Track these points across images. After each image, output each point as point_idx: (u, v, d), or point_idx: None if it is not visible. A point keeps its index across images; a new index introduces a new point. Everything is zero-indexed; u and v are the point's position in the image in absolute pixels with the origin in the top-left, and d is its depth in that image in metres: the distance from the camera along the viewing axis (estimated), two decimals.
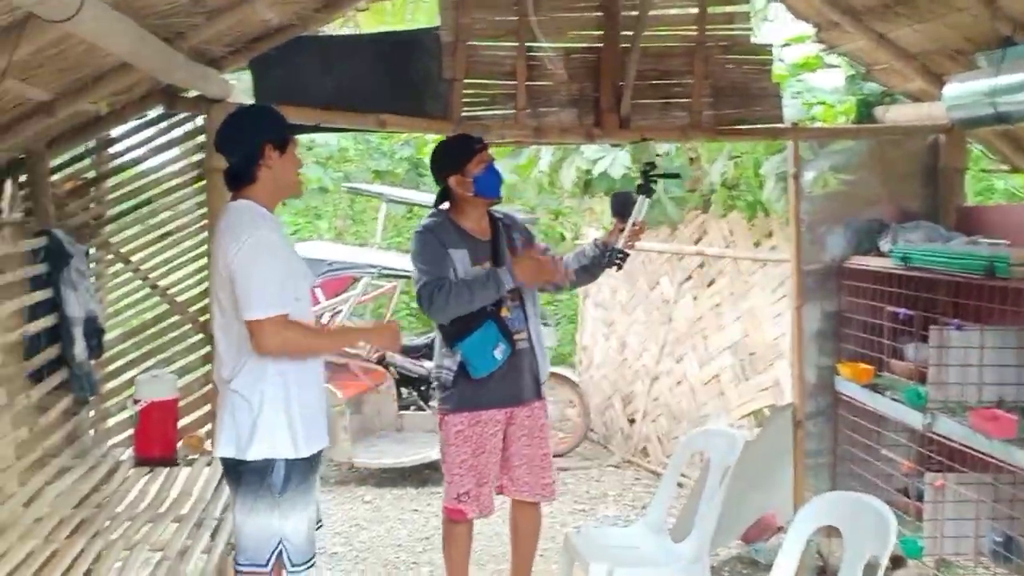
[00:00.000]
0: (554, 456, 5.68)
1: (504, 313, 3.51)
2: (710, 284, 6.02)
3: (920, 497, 3.79)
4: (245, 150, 2.67)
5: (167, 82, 3.24)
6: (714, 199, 5.92)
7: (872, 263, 4.01)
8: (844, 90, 5.02)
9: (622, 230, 3.54)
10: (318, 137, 9.22)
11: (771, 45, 4.13)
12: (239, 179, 2.70)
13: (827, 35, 4.30)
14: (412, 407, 6.68)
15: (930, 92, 4.15)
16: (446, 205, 3.59)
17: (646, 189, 3.55)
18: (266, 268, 2.56)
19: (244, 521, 2.67)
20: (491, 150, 3.59)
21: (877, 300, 3.96)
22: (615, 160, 5.91)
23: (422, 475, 6.01)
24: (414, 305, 10.08)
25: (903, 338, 3.94)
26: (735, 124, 4.08)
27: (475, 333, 3.42)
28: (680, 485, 5.72)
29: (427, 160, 10.54)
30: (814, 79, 5.59)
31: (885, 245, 4.03)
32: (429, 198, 8.09)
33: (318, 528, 2.97)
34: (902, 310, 3.72)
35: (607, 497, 5.71)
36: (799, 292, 4.26)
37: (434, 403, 6.59)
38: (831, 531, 4.32)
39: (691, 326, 6.12)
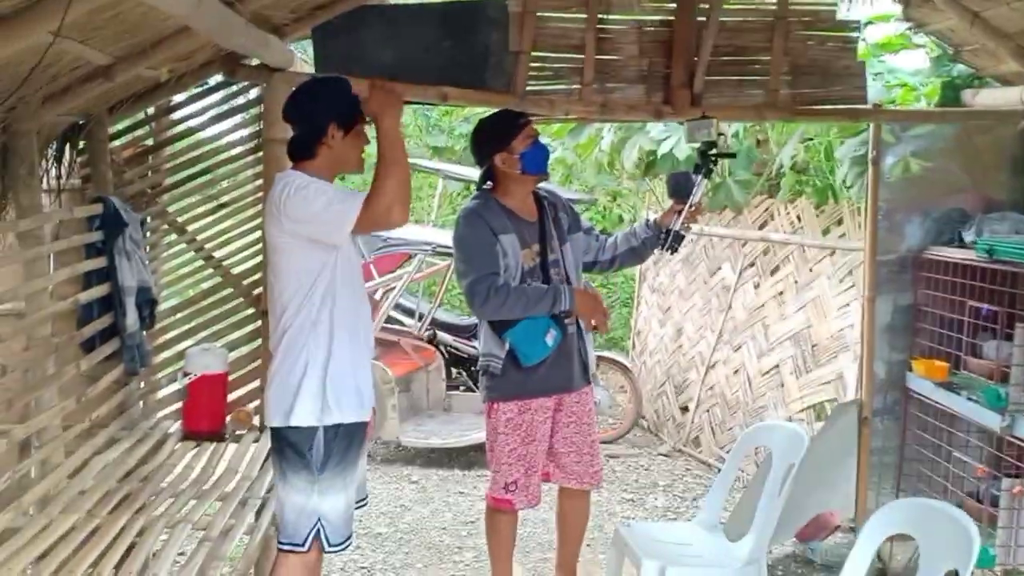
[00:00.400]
0: (603, 443, 5.59)
1: None
2: (773, 272, 5.82)
3: (993, 502, 3.62)
4: (309, 124, 2.65)
5: (227, 48, 3.14)
6: (782, 183, 5.69)
7: (953, 255, 3.81)
8: (928, 72, 4.77)
9: (679, 212, 3.40)
10: None
11: (857, 21, 3.89)
12: (299, 152, 2.67)
13: (915, 12, 4.07)
14: (461, 387, 6.60)
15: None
16: (489, 185, 3.46)
17: (705, 169, 3.41)
18: (325, 193, 2.55)
19: (285, 498, 2.68)
20: (542, 127, 3.45)
21: (956, 294, 3.77)
22: (680, 141, 5.71)
23: (469, 457, 5.92)
24: None
25: (982, 335, 3.74)
26: (814, 104, 3.87)
27: (524, 319, 3.29)
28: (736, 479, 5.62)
29: None
30: (896, 60, 5.35)
31: (968, 236, 3.84)
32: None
33: (363, 505, 2.95)
34: (985, 306, 3.52)
35: (656, 487, 5.57)
36: (872, 283, 4.07)
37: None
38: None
39: (751, 314, 5.93)
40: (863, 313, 4.17)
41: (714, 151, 3.41)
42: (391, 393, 5.84)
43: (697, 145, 3.46)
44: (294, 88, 2.83)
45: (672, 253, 3.47)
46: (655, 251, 3.51)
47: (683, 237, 3.39)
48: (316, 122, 2.62)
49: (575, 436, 3.47)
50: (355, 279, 2.74)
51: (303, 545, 2.66)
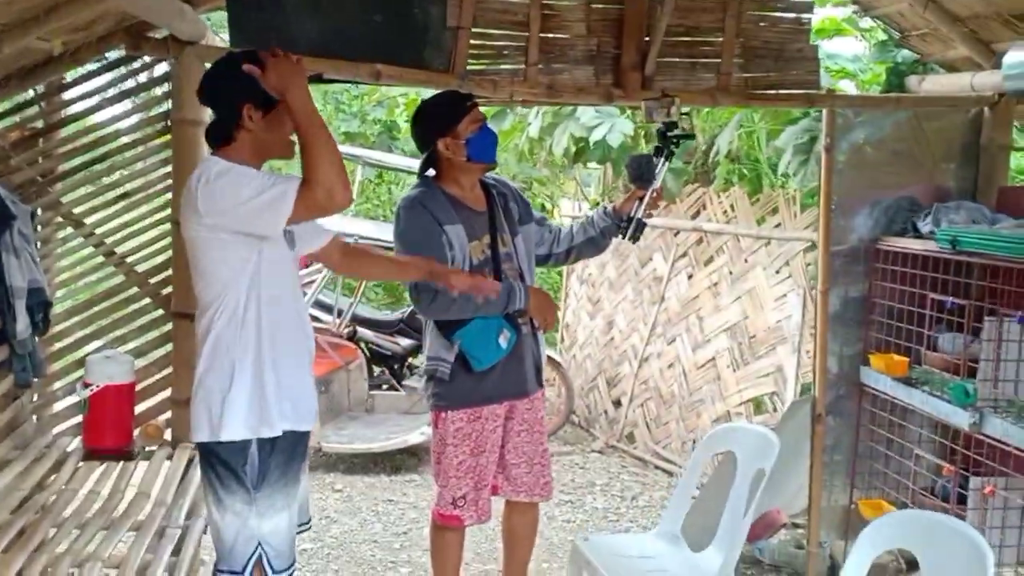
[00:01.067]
0: None
1: None
2: (707, 262, 5.68)
3: (946, 498, 3.53)
4: (224, 107, 2.36)
5: (134, 15, 2.74)
6: (716, 172, 5.56)
7: (910, 245, 3.69)
8: (869, 58, 4.69)
9: (641, 198, 3.16)
10: None
11: (811, 2, 3.73)
12: (216, 137, 2.38)
13: None
14: (384, 386, 6.26)
15: (973, 61, 3.82)
16: (432, 173, 3.15)
17: (666, 151, 3.18)
18: (253, 180, 2.24)
19: (219, 521, 2.38)
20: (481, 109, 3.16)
21: (912, 285, 3.64)
22: (613, 127, 5.52)
23: (395, 461, 5.60)
24: None
25: (938, 327, 3.64)
26: (767, 88, 3.70)
27: (475, 320, 3.01)
28: (670, 475, 5.48)
29: (402, 123, 10.04)
30: (831, 47, 5.27)
31: (925, 226, 3.71)
32: (405, 162, 7.68)
33: (306, 529, 2.72)
34: (950, 299, 3.40)
35: (594, 487, 5.37)
36: (825, 275, 3.92)
37: (409, 383, 6.21)
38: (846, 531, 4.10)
39: (685, 306, 5.78)
40: (816, 306, 4.03)
41: (675, 132, 3.17)
42: None
43: (656, 126, 3.21)
44: (208, 66, 2.49)
45: (634, 242, 3.23)
46: (615, 240, 3.26)
47: (645, 225, 3.15)
48: (230, 104, 2.32)
49: (526, 445, 3.21)
50: (287, 272, 2.43)
51: (243, 573, 2.38)
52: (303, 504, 2.61)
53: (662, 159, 3.14)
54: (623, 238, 3.16)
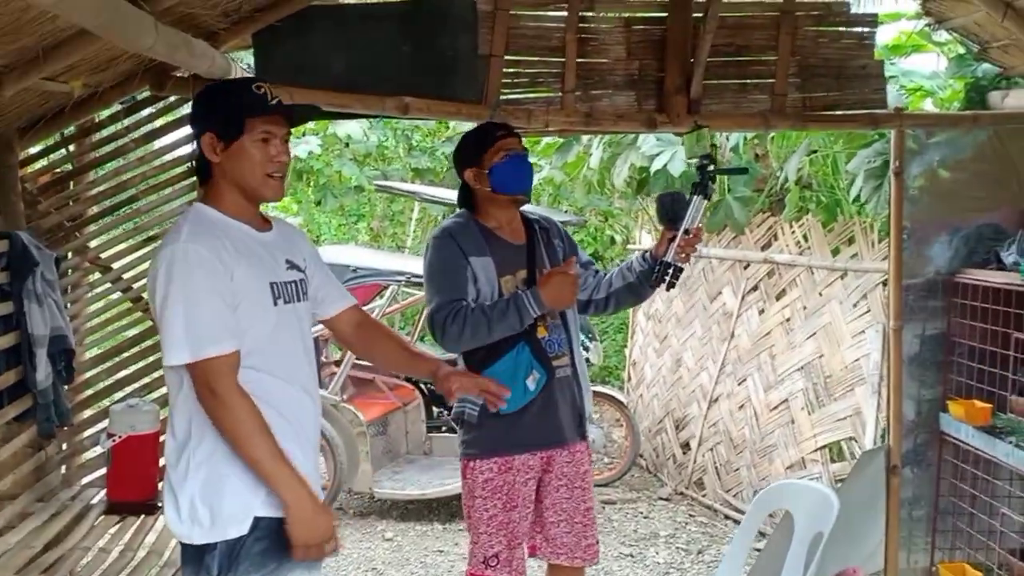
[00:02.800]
0: (598, 486, 5.05)
1: (541, 333, 2.86)
2: (779, 296, 5.34)
3: None
4: (196, 143, 2.12)
5: (134, 50, 2.65)
6: (787, 200, 5.23)
7: (991, 278, 3.33)
8: (947, 74, 4.33)
9: (672, 239, 2.85)
10: (355, 132, 8.69)
11: (874, 15, 3.42)
12: (199, 177, 2.17)
13: (937, 6, 3.60)
14: (443, 428, 6.07)
15: None
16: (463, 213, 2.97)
17: (702, 188, 2.85)
18: (177, 293, 1.94)
19: None
20: (524, 140, 2.95)
21: (997, 323, 3.27)
22: (674, 156, 5.26)
23: (451, 507, 5.39)
24: None
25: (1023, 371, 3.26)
26: (827, 109, 3.40)
27: (503, 358, 2.78)
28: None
29: None
30: (907, 64, 4.92)
31: (1009, 257, 3.35)
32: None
33: None
34: None
35: (657, 538, 5.04)
36: (897, 311, 3.57)
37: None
38: None
39: (756, 343, 5.43)
40: (888, 345, 3.68)
41: (712, 167, 2.87)
42: (363, 438, 5.31)
43: (695, 161, 2.91)
44: None
45: (668, 289, 2.92)
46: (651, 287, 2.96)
47: (681, 270, 2.85)
48: (196, 136, 2.10)
49: (566, 503, 2.95)
50: (259, 340, 2.04)
51: None
52: None
53: (697, 196, 2.84)
54: (654, 284, 2.88)
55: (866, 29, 3.44)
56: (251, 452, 1.93)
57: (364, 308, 5.97)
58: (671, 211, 2.85)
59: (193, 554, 2.00)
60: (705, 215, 2.91)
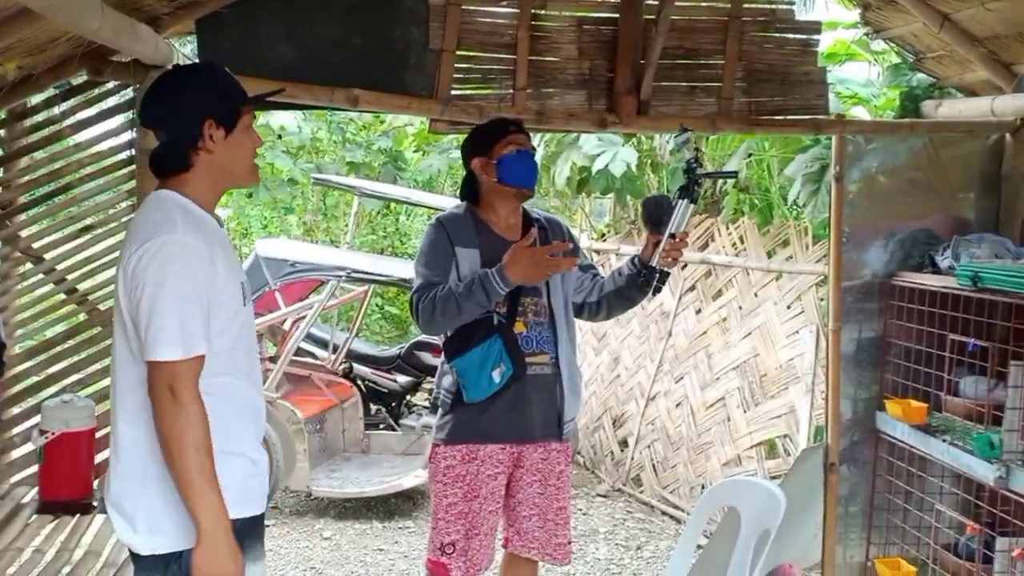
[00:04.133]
0: None
1: (519, 328, 2.86)
2: (716, 296, 5.43)
3: (970, 558, 3.24)
4: (179, 127, 1.98)
5: (77, 33, 2.55)
6: (724, 202, 5.32)
7: (927, 281, 3.43)
8: (882, 83, 4.46)
9: (656, 244, 2.82)
10: (288, 124, 8.53)
11: (818, 22, 3.51)
12: (167, 164, 2.00)
13: (876, 16, 3.71)
14: (381, 425, 6.01)
15: (993, 84, 3.58)
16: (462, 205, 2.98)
17: (688, 192, 2.81)
18: (173, 287, 1.86)
19: None
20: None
21: (932, 325, 3.38)
22: (616, 156, 5.31)
23: (388, 506, 5.34)
24: (389, 309, 9.44)
25: (958, 370, 3.37)
26: (772, 114, 3.47)
27: (475, 349, 2.79)
28: (678, 521, 5.19)
29: (408, 154, 9.89)
30: (843, 72, 5.06)
31: (944, 261, 3.46)
32: (406, 193, 7.49)
33: None
34: (971, 340, 3.13)
35: (597, 534, 5.08)
36: (836, 312, 3.66)
37: (406, 422, 5.97)
38: None
39: (693, 342, 5.52)
40: (827, 346, 3.77)
41: (700, 171, 2.83)
42: (300, 435, 5.22)
43: (682, 164, 2.90)
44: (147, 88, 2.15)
45: (654, 294, 2.92)
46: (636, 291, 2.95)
47: (667, 275, 2.85)
48: (186, 121, 1.96)
49: (539, 498, 2.95)
50: (229, 341, 1.99)
51: None
52: None
53: (683, 200, 2.84)
54: (639, 289, 2.89)
55: (810, 36, 3.53)
56: (188, 465, 1.82)
57: (302, 303, 5.87)
58: (655, 215, 2.84)
59: (154, 563, 1.93)
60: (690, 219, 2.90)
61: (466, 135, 3.02)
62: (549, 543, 2.98)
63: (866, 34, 3.97)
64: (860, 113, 4.80)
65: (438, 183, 10.00)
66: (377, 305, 9.13)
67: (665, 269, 2.83)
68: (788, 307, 4.92)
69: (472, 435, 2.86)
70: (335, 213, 10.01)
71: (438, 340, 3.09)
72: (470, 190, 2.97)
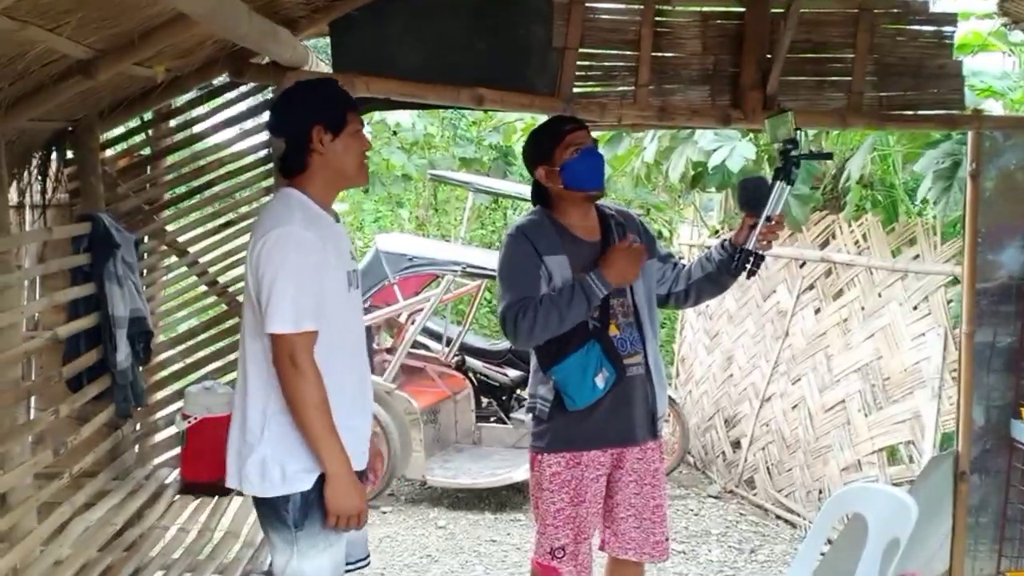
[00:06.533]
0: None
1: (613, 331, 2.85)
2: (836, 296, 5.28)
3: None
4: (293, 133, 2.29)
5: (231, 42, 2.68)
6: (848, 198, 5.17)
7: None
8: (1019, 75, 4.26)
9: (753, 226, 2.79)
10: (403, 121, 8.72)
11: (954, 14, 3.38)
12: (289, 166, 2.31)
13: (1014, 6, 3.54)
14: (492, 419, 6.10)
15: None
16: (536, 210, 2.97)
17: (785, 174, 2.78)
18: (290, 271, 2.15)
19: (271, 557, 2.33)
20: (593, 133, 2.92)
21: None
22: (734, 151, 5.22)
23: (500, 497, 5.42)
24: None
25: None
26: (904, 108, 3.36)
27: (573, 355, 2.77)
28: (793, 526, 5.09)
29: (518, 149, 9.97)
30: (975, 63, 4.85)
31: None
32: (517, 188, 7.55)
33: (363, 565, 2.53)
34: None
35: (709, 536, 5.03)
36: (970, 315, 3.53)
37: (517, 415, 6.04)
38: None
39: (811, 343, 5.38)
40: (960, 351, 3.63)
41: (795, 152, 2.80)
42: (416, 425, 5.36)
43: (778, 145, 2.87)
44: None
45: (749, 277, 2.90)
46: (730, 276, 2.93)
47: (762, 258, 2.82)
48: (298, 129, 2.26)
49: (635, 498, 2.94)
50: (338, 322, 2.27)
51: None
52: (360, 539, 2.48)
53: (780, 182, 2.80)
54: (734, 273, 2.86)
55: (945, 28, 3.39)
56: (312, 421, 2.15)
57: (419, 296, 6.00)
58: (753, 197, 2.80)
59: (268, 506, 2.24)
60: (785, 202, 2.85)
61: (527, 140, 2.97)
62: (647, 542, 2.95)
63: (1004, 24, 3.79)
64: (995, 108, 4.61)
65: None
66: (485, 299, 9.25)
67: (760, 252, 2.78)
68: (914, 308, 4.75)
69: (575, 442, 2.84)
70: (446, 208, 10.18)
71: None
72: (541, 195, 2.93)
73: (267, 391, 2.20)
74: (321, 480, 2.20)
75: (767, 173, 6.20)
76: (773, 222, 2.80)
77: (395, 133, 9.07)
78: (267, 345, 2.17)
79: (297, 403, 2.14)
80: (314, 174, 2.27)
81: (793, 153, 2.80)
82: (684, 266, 3.00)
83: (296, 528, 2.21)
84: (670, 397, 6.03)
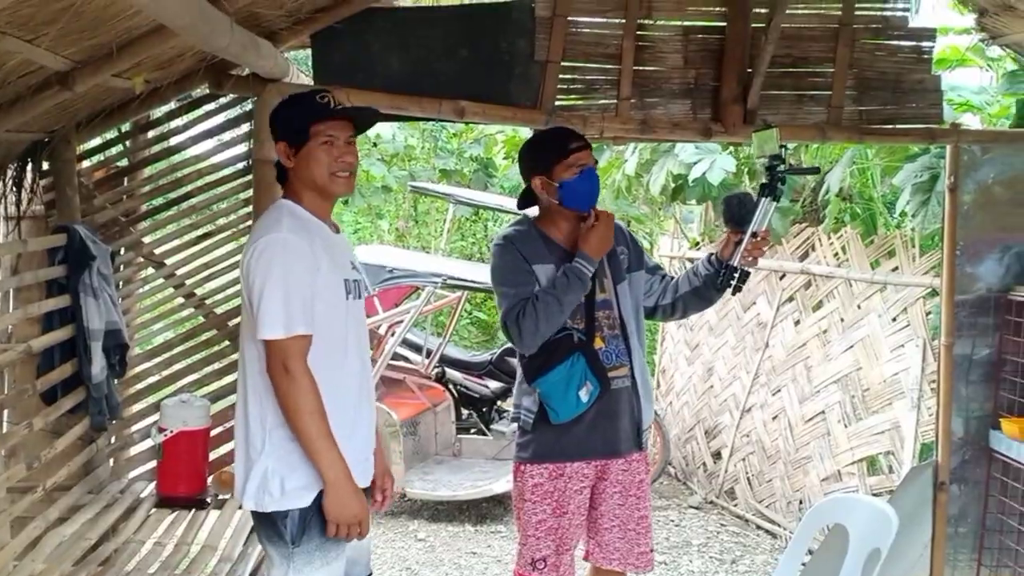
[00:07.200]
0: None
1: (598, 344, 2.84)
2: (816, 308, 5.31)
3: None
4: (274, 150, 2.36)
5: (208, 49, 2.66)
6: (827, 211, 5.20)
7: None
8: (997, 90, 4.31)
9: (738, 243, 2.79)
10: (383, 133, 8.70)
11: (933, 29, 3.41)
12: (279, 179, 2.38)
13: (993, 22, 3.59)
14: (472, 430, 6.08)
15: None
16: (534, 211, 2.95)
17: (771, 189, 2.78)
18: (277, 276, 2.16)
19: (267, 571, 2.29)
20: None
21: None
22: (714, 164, 5.25)
23: (480, 510, 5.39)
24: (477, 315, 9.53)
25: None
26: (884, 123, 3.39)
27: (558, 368, 2.76)
28: (774, 536, 5.10)
29: (499, 161, 9.91)
30: (953, 78, 4.90)
31: None
32: (498, 200, 7.55)
33: None
34: None
35: (690, 546, 5.03)
36: (949, 327, 3.56)
37: (497, 427, 6.02)
38: None
39: (791, 355, 5.41)
40: (939, 362, 3.66)
41: (782, 167, 2.81)
42: (396, 437, 5.32)
43: (764, 161, 2.87)
44: None
45: (734, 294, 2.90)
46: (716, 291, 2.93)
47: (748, 274, 2.82)
48: (274, 144, 2.33)
49: (619, 509, 2.93)
50: (335, 329, 2.26)
51: None
52: (362, 558, 2.45)
53: (766, 198, 2.81)
54: (718, 288, 2.86)
55: (924, 43, 3.44)
56: (306, 427, 2.13)
57: (398, 308, 5.97)
58: (737, 213, 2.80)
59: (267, 521, 2.21)
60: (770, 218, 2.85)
61: (526, 144, 2.94)
62: (631, 552, 2.95)
63: (982, 40, 3.83)
64: (971, 121, 4.65)
65: None
66: (466, 311, 9.23)
67: (746, 268, 2.79)
68: (893, 320, 4.78)
69: (559, 454, 2.83)
70: (426, 219, 10.15)
71: None
72: (528, 202, 2.92)
73: (264, 402, 2.19)
74: (320, 497, 2.17)
75: (747, 186, 6.25)
76: (759, 238, 2.81)
77: (375, 144, 9.05)
78: (263, 354, 2.16)
79: (292, 410, 2.13)
80: (295, 185, 2.30)
81: (780, 168, 2.80)
82: (672, 279, 2.99)
83: (293, 544, 2.19)
84: None
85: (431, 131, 9.65)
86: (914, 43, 3.40)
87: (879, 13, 3.36)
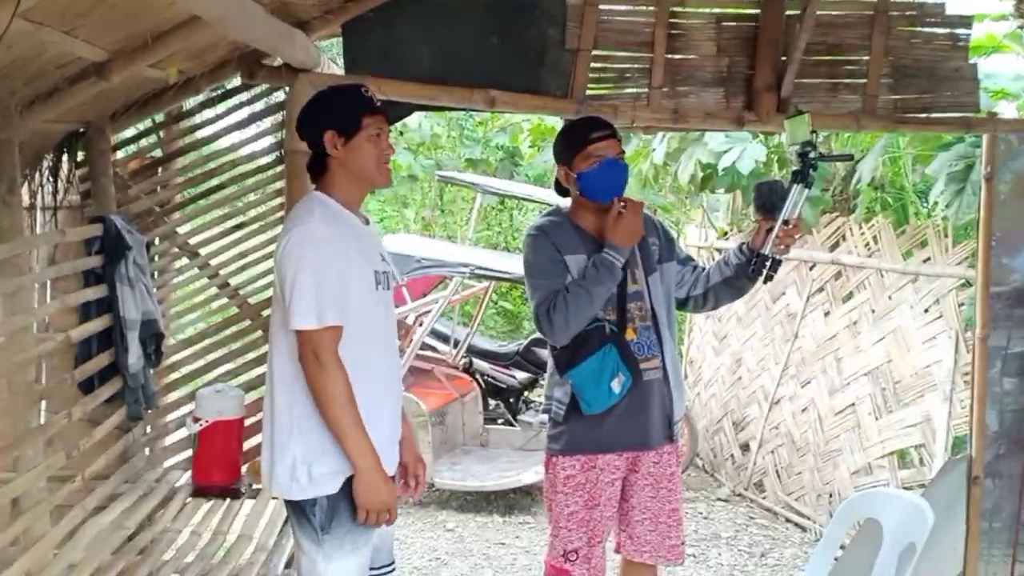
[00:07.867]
0: None
1: (630, 335, 2.83)
2: (847, 298, 5.25)
3: None
4: (310, 139, 2.35)
5: (244, 44, 2.68)
6: (860, 201, 5.15)
7: None
8: None
9: (769, 230, 2.76)
10: (409, 122, 8.71)
11: (970, 16, 3.36)
12: (314, 170, 2.38)
13: None
14: (499, 420, 6.09)
15: None
16: (567, 201, 2.94)
17: (803, 176, 2.74)
18: (309, 267, 2.17)
19: (297, 559, 2.34)
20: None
21: None
22: (744, 153, 5.21)
23: (508, 500, 5.40)
24: (503, 304, 9.53)
25: None
26: (919, 111, 3.35)
27: (590, 359, 2.75)
28: (803, 529, 5.08)
29: (525, 149, 9.87)
30: (989, 65, 4.82)
31: None
32: (524, 189, 7.55)
33: (388, 571, 2.54)
34: None
35: (719, 539, 5.01)
36: (985, 319, 3.51)
37: (524, 418, 6.03)
38: None
39: (821, 346, 5.36)
40: (973, 354, 3.61)
41: (814, 154, 2.76)
42: (424, 427, 5.34)
43: (796, 148, 2.83)
44: None
45: (766, 282, 2.87)
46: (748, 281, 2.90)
47: (779, 262, 2.80)
48: (314, 134, 2.31)
49: (651, 502, 2.93)
50: (364, 320, 2.27)
51: None
52: (385, 546, 2.49)
53: (798, 185, 2.77)
54: (750, 277, 2.84)
55: (960, 30, 3.38)
56: (338, 416, 2.15)
57: (426, 298, 5.98)
58: (769, 200, 2.77)
59: (296, 508, 2.24)
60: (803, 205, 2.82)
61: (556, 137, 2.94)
62: (662, 545, 2.94)
63: (1020, 26, 3.77)
64: (1007, 109, 4.59)
65: (551, 178, 10.04)
66: (492, 300, 9.24)
67: (777, 256, 2.76)
68: (925, 311, 4.72)
69: (590, 446, 2.82)
70: (452, 208, 10.17)
71: None
72: (565, 191, 2.90)
73: (293, 391, 2.21)
74: (348, 483, 2.19)
75: (777, 175, 6.20)
76: (790, 225, 2.78)
77: (401, 133, 9.08)
78: (293, 344, 2.19)
79: (323, 399, 2.15)
80: (334, 177, 2.31)
81: (811, 155, 2.77)
82: (703, 269, 2.97)
83: (322, 531, 2.21)
84: None
85: (457, 120, 9.66)
86: (950, 30, 3.35)
87: (915, 0, 3.31)
